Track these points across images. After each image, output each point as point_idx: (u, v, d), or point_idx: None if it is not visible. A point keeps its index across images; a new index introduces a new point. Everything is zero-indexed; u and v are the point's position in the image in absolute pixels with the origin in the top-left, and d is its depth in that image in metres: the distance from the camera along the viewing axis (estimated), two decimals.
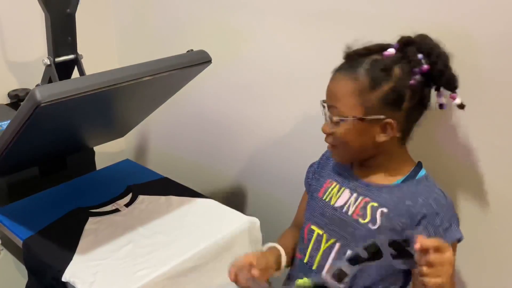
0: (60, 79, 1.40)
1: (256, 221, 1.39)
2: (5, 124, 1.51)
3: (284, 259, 1.13)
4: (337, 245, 1.06)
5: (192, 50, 1.34)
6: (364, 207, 1.04)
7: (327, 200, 1.11)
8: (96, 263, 1.23)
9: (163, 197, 1.50)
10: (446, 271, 0.82)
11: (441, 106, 1.02)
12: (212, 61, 1.33)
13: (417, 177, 1.04)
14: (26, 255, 1.30)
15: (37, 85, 1.48)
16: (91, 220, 1.40)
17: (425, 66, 0.96)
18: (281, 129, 1.55)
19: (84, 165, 1.71)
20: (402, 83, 0.97)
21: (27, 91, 1.66)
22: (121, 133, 1.75)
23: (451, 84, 0.98)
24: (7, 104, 1.65)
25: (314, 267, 1.10)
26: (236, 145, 1.70)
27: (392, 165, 1.06)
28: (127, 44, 1.97)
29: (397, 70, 0.97)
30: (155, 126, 1.94)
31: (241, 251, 1.34)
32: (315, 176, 1.20)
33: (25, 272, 1.30)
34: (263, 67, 1.52)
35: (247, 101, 1.61)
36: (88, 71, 1.45)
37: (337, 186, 1.11)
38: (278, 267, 1.12)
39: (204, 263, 1.27)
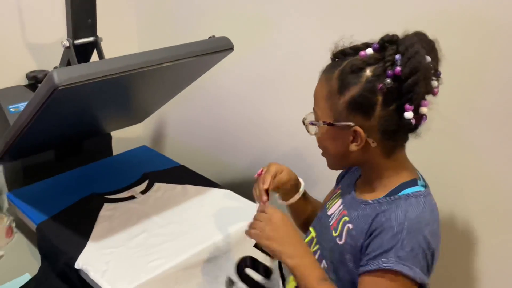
0: (79, 62, 1.38)
1: None
2: (22, 105, 1.49)
3: (301, 190, 1.15)
4: (318, 253, 1.02)
5: (214, 36, 1.30)
6: (339, 220, 0.98)
7: (327, 206, 1.07)
8: (109, 251, 1.21)
9: (179, 186, 1.47)
10: (259, 226, 0.95)
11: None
12: (234, 49, 1.30)
13: (398, 194, 0.90)
14: (40, 240, 1.28)
15: (55, 68, 1.46)
16: (106, 206, 1.38)
17: (398, 68, 0.82)
18: (300, 123, 1.50)
19: (101, 150, 1.69)
20: (370, 87, 0.85)
21: (45, 73, 1.64)
22: (139, 119, 1.73)
23: (406, 94, 0.83)
24: (25, 86, 1.64)
25: None
26: (254, 137, 1.66)
27: (379, 179, 0.94)
28: (147, 28, 1.94)
29: (368, 73, 0.85)
30: (173, 113, 1.91)
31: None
32: (339, 179, 1.16)
33: (39, 255, 1.28)
34: (285, 58, 1.48)
35: (267, 92, 1.57)
36: (107, 55, 1.42)
37: (338, 194, 1.06)
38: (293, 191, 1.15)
39: (219, 255, 1.24)
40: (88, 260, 1.17)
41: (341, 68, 0.89)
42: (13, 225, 1.41)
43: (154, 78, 1.26)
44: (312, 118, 0.96)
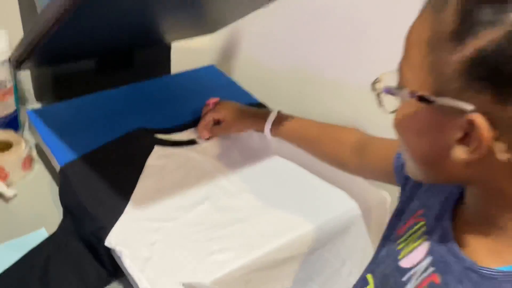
0: None
1: (386, 196, 0.95)
2: None
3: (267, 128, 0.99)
4: None
5: None
6: None
7: (399, 248, 0.63)
8: (156, 226, 0.84)
9: (256, 134, 1.06)
10: None
11: None
12: None
13: None
14: (62, 189, 0.92)
15: None
16: (156, 150, 1.00)
17: None
18: None
19: (156, 65, 1.30)
20: None
21: None
22: (208, 30, 1.31)
23: None
24: None
25: None
26: (359, 70, 1.22)
27: (507, 223, 0.52)
28: None
29: None
30: (251, 26, 1.46)
31: (358, 239, 0.93)
32: (408, 183, 0.69)
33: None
34: None
35: (383, 12, 1.11)
36: None
37: (422, 229, 0.61)
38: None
39: (306, 252, 0.86)
40: (125, 238, 0.80)
41: None
42: (34, 154, 1.06)
43: None
44: (392, 82, 0.51)
